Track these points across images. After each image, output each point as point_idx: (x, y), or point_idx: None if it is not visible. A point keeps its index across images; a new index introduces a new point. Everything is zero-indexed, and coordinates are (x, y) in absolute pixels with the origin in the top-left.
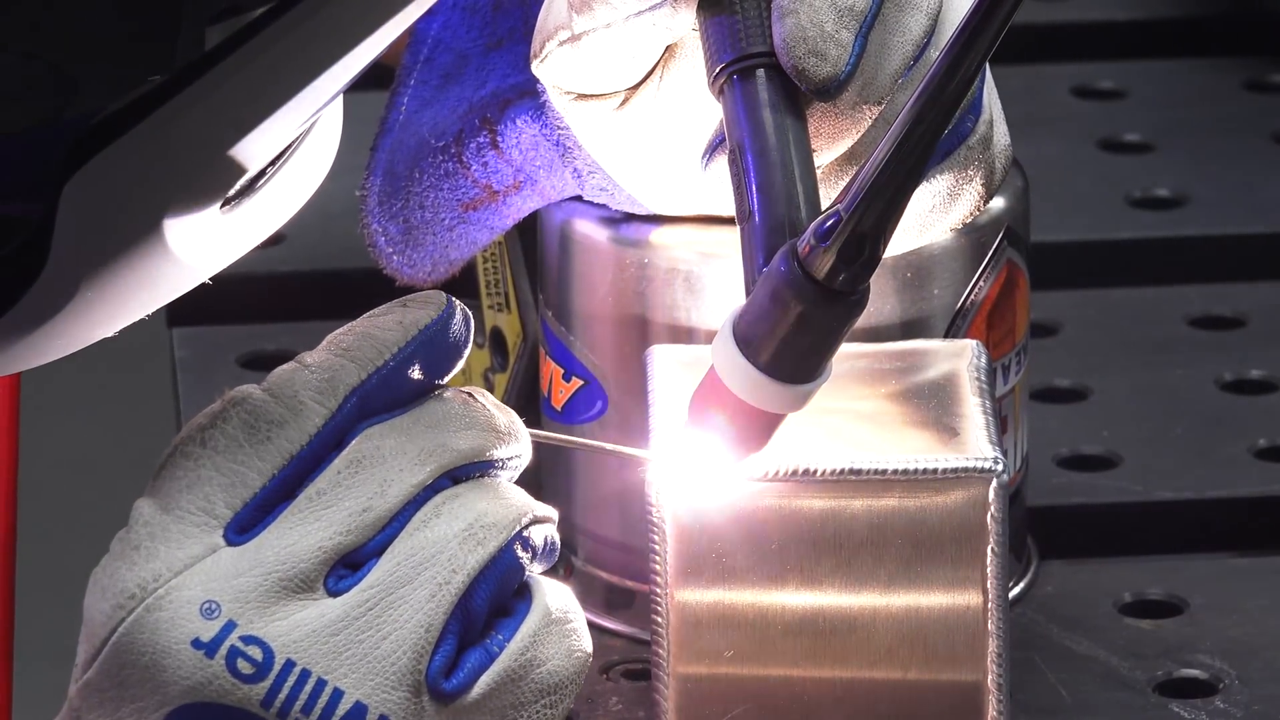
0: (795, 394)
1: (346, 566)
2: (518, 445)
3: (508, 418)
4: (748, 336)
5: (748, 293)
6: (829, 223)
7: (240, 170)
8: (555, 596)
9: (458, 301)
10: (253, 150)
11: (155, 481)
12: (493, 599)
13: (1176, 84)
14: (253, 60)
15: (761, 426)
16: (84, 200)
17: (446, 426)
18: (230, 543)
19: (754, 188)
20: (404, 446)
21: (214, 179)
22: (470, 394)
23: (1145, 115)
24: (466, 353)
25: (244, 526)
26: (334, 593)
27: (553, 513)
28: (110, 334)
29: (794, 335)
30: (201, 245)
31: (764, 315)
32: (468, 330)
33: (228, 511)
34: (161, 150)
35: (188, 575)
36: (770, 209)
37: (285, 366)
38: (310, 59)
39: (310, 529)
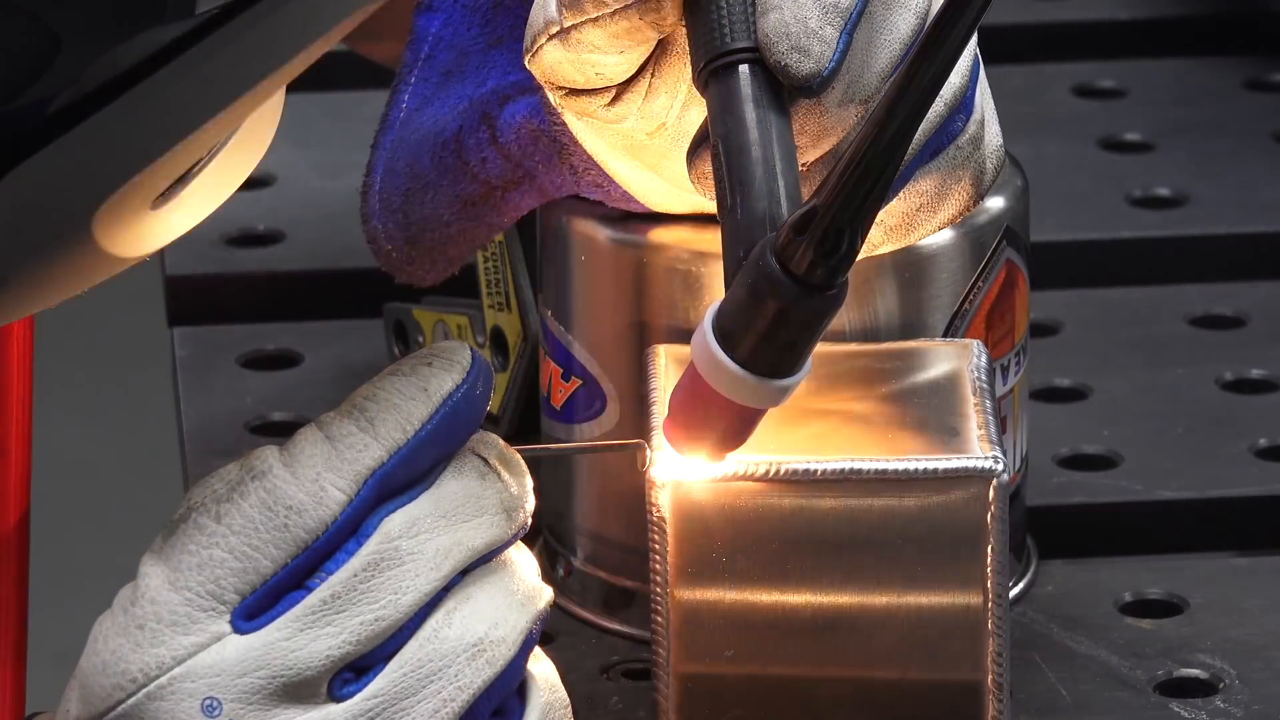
0: (774, 389)
1: (351, 669)
2: (526, 509)
3: (519, 482)
4: (726, 331)
5: (727, 287)
6: (806, 216)
7: (172, 174)
8: (549, 692)
9: (480, 357)
10: (186, 155)
11: (165, 544)
12: (493, 708)
13: (1177, 83)
14: (189, 70)
15: (741, 422)
16: (10, 204)
17: (462, 516)
18: (236, 629)
19: (734, 182)
20: (421, 547)
21: (144, 183)
22: (484, 457)
23: (1145, 114)
24: (483, 414)
25: (251, 613)
26: (337, 698)
27: (549, 595)
28: (35, 312)
29: (772, 330)
30: (131, 239)
31: (742, 309)
32: (488, 390)
33: (236, 597)
34: (91, 156)
35: (192, 664)
36: (749, 203)
37: (307, 434)
38: (246, 70)
39: (320, 635)
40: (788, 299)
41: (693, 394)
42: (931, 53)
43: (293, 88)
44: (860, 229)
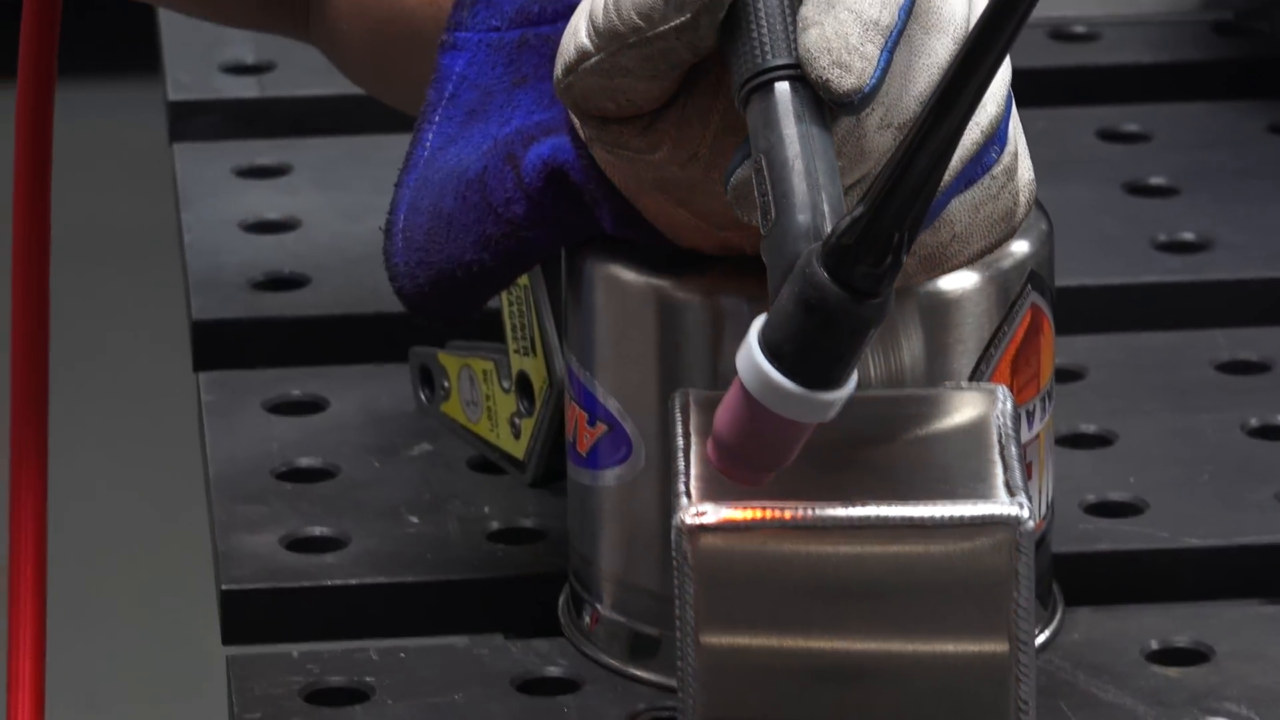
0: (820, 402)
1: None
2: None
3: None
4: (773, 342)
5: (772, 301)
6: (850, 224)
7: None
8: None
9: None
10: None
11: None
12: None
13: (1202, 127)
14: None
15: (787, 439)
16: None
17: None
18: None
19: (777, 196)
20: None
21: None
22: None
23: (1170, 158)
24: None
25: None
26: None
27: None
28: None
29: (820, 339)
30: None
31: (789, 319)
32: None
33: None
34: None
35: None
36: (793, 215)
37: None
38: None
39: None
40: (836, 307)
41: (738, 410)
42: (982, 48)
43: (316, 131)
44: (906, 234)
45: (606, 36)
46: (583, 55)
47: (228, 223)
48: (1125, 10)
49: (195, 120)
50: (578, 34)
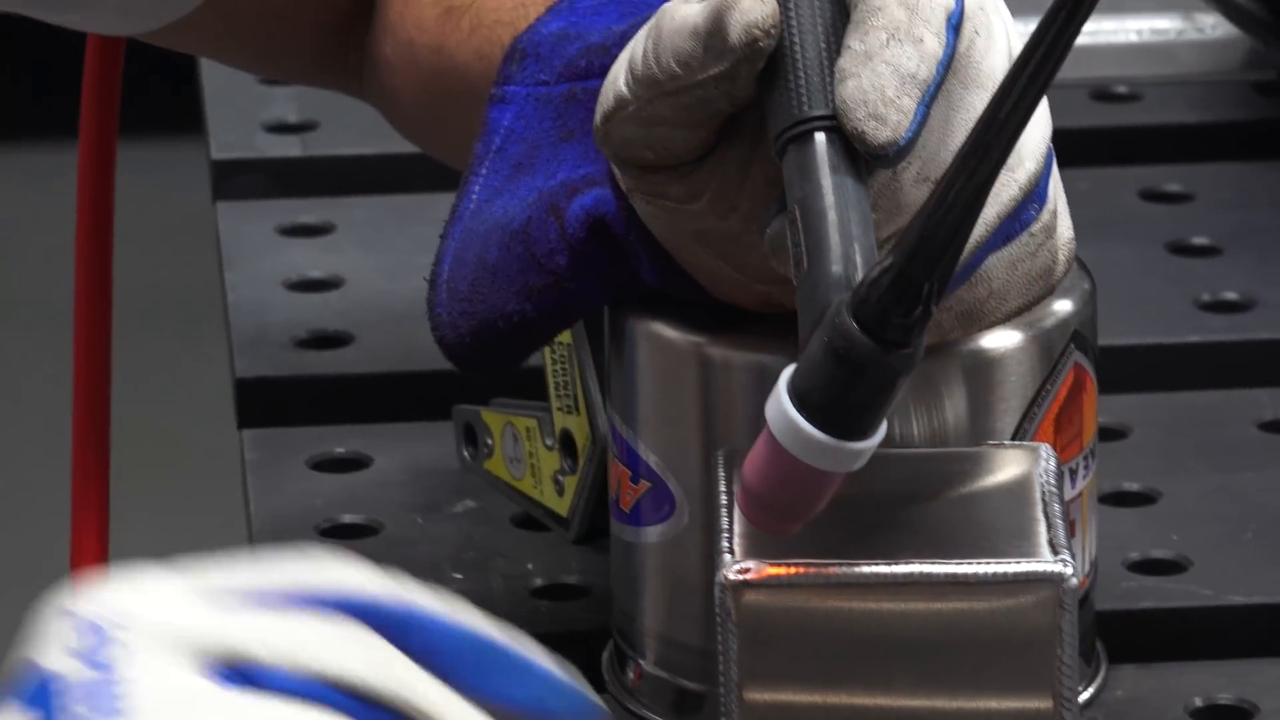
0: (849, 452)
1: None
2: None
3: None
4: (801, 392)
5: (801, 350)
6: (879, 274)
7: None
8: None
9: None
10: None
11: None
12: None
13: (1244, 187)
14: None
15: (815, 489)
16: None
17: None
18: None
19: (810, 245)
20: None
21: None
22: None
23: (1213, 218)
24: None
25: None
26: None
27: None
28: None
29: (848, 389)
30: None
31: (818, 369)
32: None
33: None
34: None
35: None
36: (825, 264)
37: None
38: None
39: None
40: (864, 356)
41: (767, 459)
42: (1012, 96)
43: (358, 190)
44: (936, 285)
45: (644, 84)
46: (621, 103)
47: (271, 281)
48: (1167, 70)
49: (238, 179)
50: (616, 82)
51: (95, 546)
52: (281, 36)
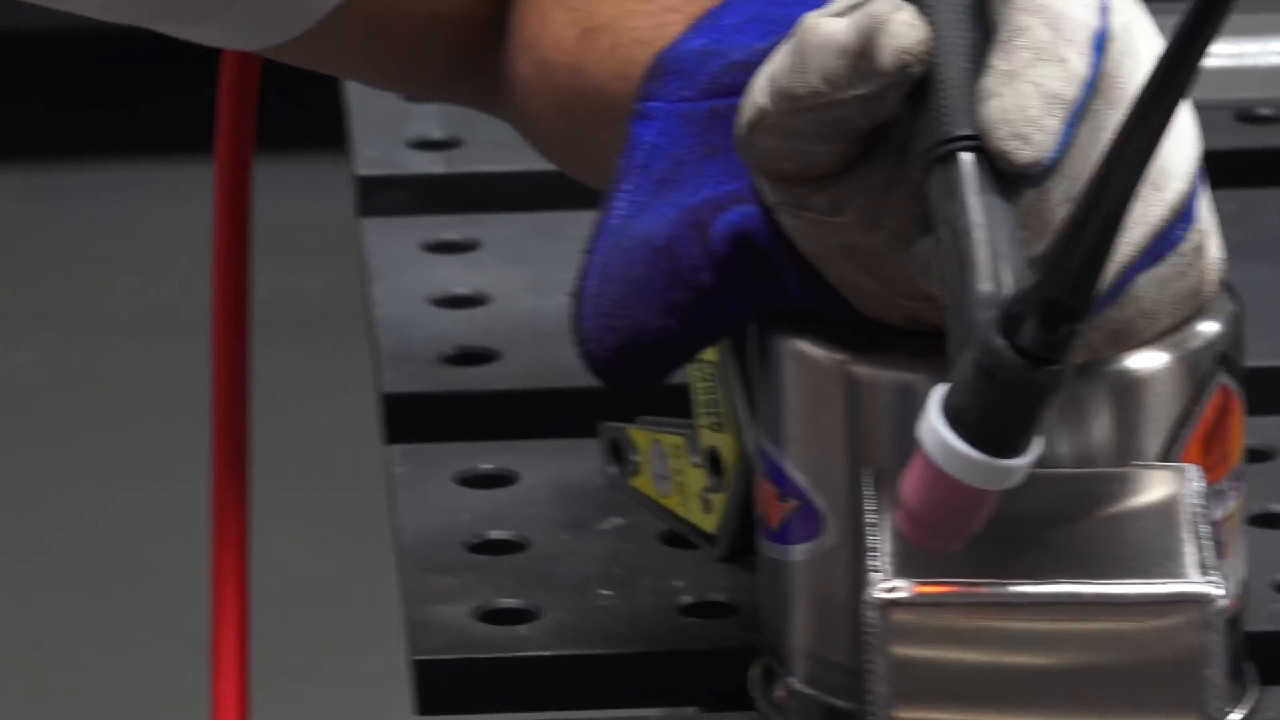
0: (1003, 469)
1: None
2: None
3: None
4: (953, 410)
5: (952, 368)
6: (1025, 291)
7: None
8: None
9: None
10: None
11: None
12: None
13: None
14: None
15: (971, 508)
16: None
17: None
18: None
19: (959, 264)
20: None
21: None
22: None
23: None
24: None
25: None
26: None
27: None
28: None
29: (997, 406)
30: None
31: (968, 387)
32: None
33: None
34: None
35: None
36: (974, 283)
37: None
38: None
39: None
40: (1012, 373)
41: (922, 479)
42: (1153, 105)
43: (502, 207)
44: (1083, 300)
45: (783, 97)
46: (759, 115)
47: (417, 297)
48: None
49: (383, 195)
50: (755, 92)
51: (236, 563)
52: (416, 54)
